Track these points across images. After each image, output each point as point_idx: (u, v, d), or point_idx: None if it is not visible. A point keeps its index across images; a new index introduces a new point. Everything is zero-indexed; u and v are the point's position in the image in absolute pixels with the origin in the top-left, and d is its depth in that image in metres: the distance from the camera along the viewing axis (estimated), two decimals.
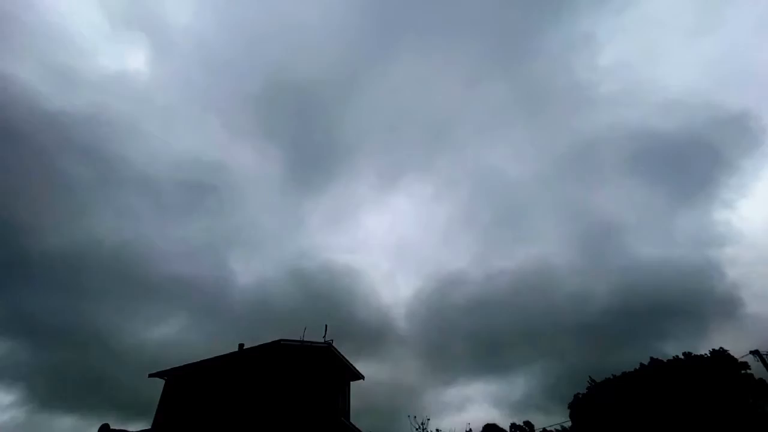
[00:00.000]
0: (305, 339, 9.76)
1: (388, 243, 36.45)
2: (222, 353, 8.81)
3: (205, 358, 8.71)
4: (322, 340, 9.67)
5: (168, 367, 8.58)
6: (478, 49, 37.03)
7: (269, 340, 9.41)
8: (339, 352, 9.75)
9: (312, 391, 8.36)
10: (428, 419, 11.12)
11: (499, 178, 36.46)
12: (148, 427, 8.14)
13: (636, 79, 34.58)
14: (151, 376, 8.41)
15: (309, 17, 31.35)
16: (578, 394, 15.06)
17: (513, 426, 16.19)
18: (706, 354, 13.29)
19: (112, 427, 7.83)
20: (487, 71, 37.19)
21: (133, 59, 30.10)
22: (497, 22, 35.94)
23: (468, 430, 12.06)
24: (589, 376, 15.48)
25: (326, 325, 9.97)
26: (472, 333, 25.69)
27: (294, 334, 10.39)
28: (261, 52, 32.42)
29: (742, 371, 12.36)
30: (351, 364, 9.94)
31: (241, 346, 9.35)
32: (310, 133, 33.74)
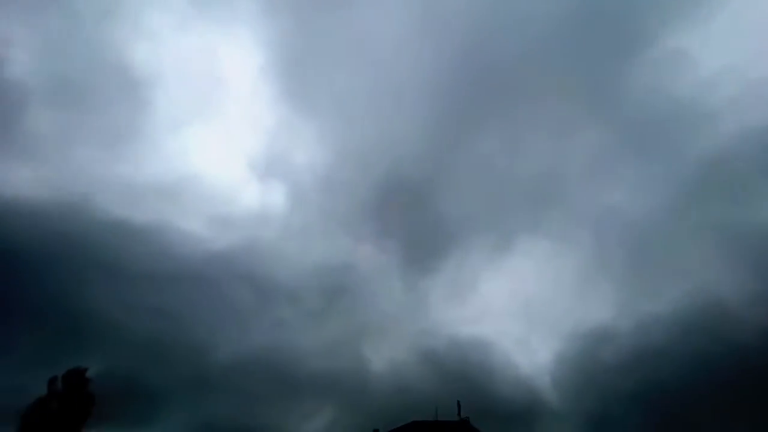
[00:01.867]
0: (439, 418, 9.59)
1: (513, 308, 34.34)
2: None
3: None
4: (457, 418, 9.39)
5: None
6: (564, 97, 36.97)
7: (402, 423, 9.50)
8: (478, 429, 9.28)
9: None
10: None
11: (621, 219, 32.95)
12: None
13: (747, 79, 30.27)
14: None
15: (400, 123, 35.68)
16: None
17: None
18: None
19: None
20: (579, 115, 36.37)
21: (271, 196, 37.27)
22: (576, 65, 35.89)
23: None
24: None
25: (458, 402, 9.73)
26: (635, 394, 21.51)
27: (429, 414, 10.30)
28: (368, 166, 37.39)
29: None
30: None
31: (375, 431, 9.56)
32: (420, 222, 36.39)
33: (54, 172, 29.80)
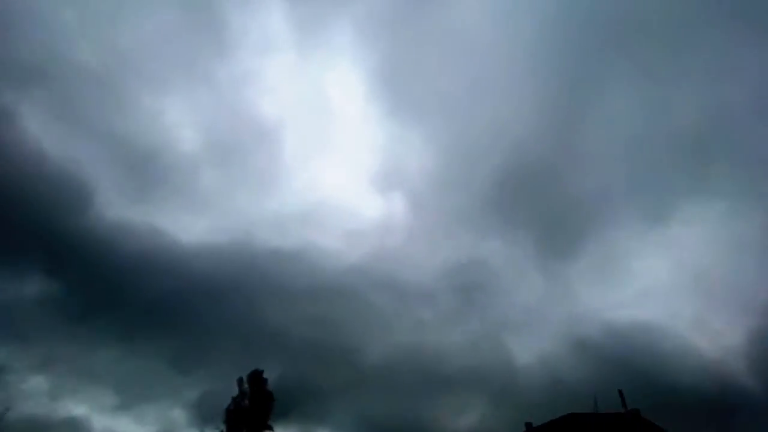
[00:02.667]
0: (600, 410, 8.63)
1: (681, 284, 28.97)
2: None
3: None
4: (622, 410, 8.31)
5: None
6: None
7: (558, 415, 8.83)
8: (654, 423, 8.08)
9: None
10: None
11: None
12: None
13: None
14: None
15: (508, 109, 34.08)
16: None
17: None
18: None
19: None
20: (738, 42, 29.51)
21: (392, 206, 39.33)
22: None
23: None
24: None
25: (620, 391, 8.61)
26: None
27: (587, 407, 9.37)
28: (482, 159, 36.64)
29: None
30: None
31: (528, 425, 9.07)
32: (550, 206, 33.88)
33: (222, 218, 36.29)
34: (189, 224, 35.15)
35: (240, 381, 10.58)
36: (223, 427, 10.31)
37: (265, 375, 11.20)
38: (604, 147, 33.76)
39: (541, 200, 34.40)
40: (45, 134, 26.40)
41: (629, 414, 7.98)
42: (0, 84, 23.26)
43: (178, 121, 34.68)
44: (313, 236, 35.50)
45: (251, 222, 34.12)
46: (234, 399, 10.40)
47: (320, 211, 38.51)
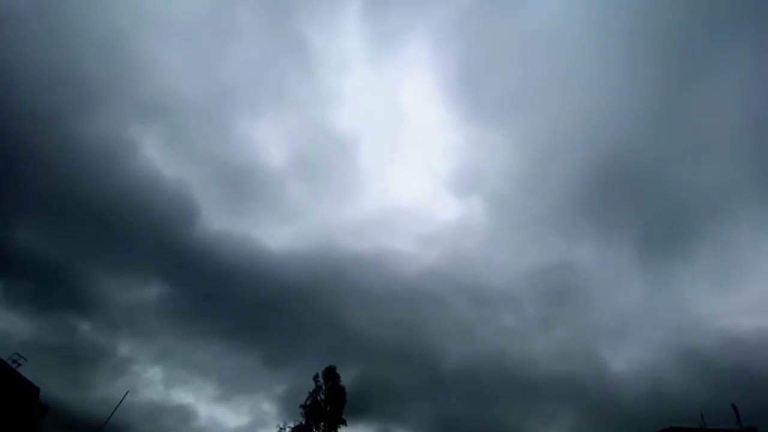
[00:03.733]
0: (709, 425, 7.36)
1: None
2: None
3: None
4: (736, 426, 6.98)
5: None
6: None
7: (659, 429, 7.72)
8: None
9: None
10: None
11: None
12: None
13: None
14: None
15: (601, 104, 31.41)
16: None
17: None
18: None
19: None
20: None
21: (470, 208, 38.83)
22: None
23: None
24: None
25: (734, 406, 7.24)
26: None
27: (693, 421, 8.07)
28: (575, 158, 34.38)
29: None
30: None
31: None
32: (654, 205, 30.33)
33: (306, 226, 38.84)
34: (277, 233, 38.07)
35: (316, 377, 11.17)
36: (302, 420, 10.95)
37: (346, 374, 11.69)
38: (719, 137, 28.97)
39: (643, 200, 30.69)
40: (161, 160, 30.75)
41: (745, 431, 6.67)
42: (126, 119, 27.65)
43: (266, 140, 38.00)
44: (391, 241, 36.19)
45: (333, 229, 35.82)
46: (310, 393, 11.00)
47: (397, 216, 39.01)
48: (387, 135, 47.15)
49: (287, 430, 10.55)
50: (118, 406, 9.52)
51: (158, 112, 30.34)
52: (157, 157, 30.84)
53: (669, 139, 31.44)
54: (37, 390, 8.87)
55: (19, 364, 8.57)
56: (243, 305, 26.33)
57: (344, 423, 10.69)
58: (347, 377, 14.24)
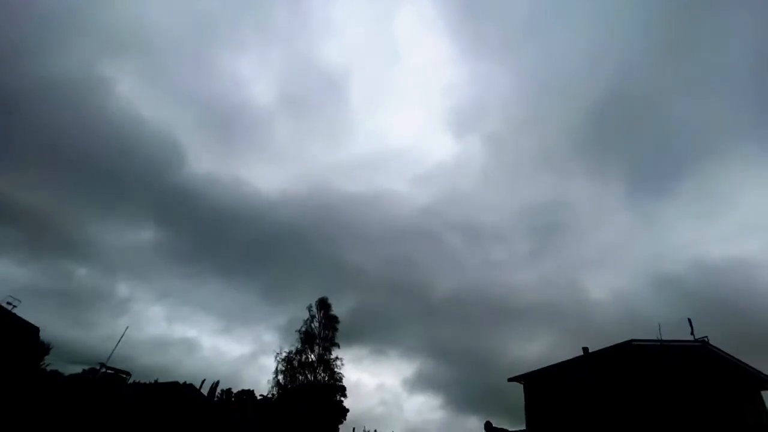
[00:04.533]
0: (664, 339, 8.05)
1: None
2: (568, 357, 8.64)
3: (553, 363, 8.79)
4: (691, 337, 7.65)
5: (523, 372, 9.22)
6: None
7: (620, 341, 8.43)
8: (724, 353, 7.34)
9: (690, 399, 6.64)
10: None
11: None
12: (521, 427, 8.83)
13: None
14: (510, 380, 9.29)
15: (603, 34, 29.75)
16: None
17: None
18: None
19: (493, 425, 9.03)
20: None
21: (467, 147, 38.59)
22: None
23: None
24: None
25: (689, 320, 7.87)
26: None
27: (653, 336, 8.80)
28: (572, 94, 33.14)
29: None
30: (754, 369, 7.18)
31: (585, 349, 8.82)
32: (649, 141, 30.04)
33: (299, 167, 38.49)
34: (268, 174, 38.00)
35: (310, 307, 11.90)
36: (299, 345, 11.83)
37: (342, 304, 12.43)
38: (719, 74, 28.01)
39: (640, 133, 30.47)
40: (140, 99, 29.72)
41: (697, 343, 7.32)
42: (97, 54, 26.24)
43: (252, 76, 36.42)
44: (385, 181, 36.23)
45: (325, 169, 35.72)
46: (305, 321, 11.79)
47: (392, 156, 38.75)
48: (381, 69, 44.86)
49: (284, 353, 11.47)
50: (120, 340, 10.22)
51: (132, 46, 28.79)
52: (134, 95, 29.73)
53: (670, 73, 30.50)
54: (36, 330, 9.34)
55: (14, 306, 8.94)
56: (238, 245, 27.00)
57: (337, 346, 11.60)
58: (343, 307, 15.06)
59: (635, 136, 31.32)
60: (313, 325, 11.81)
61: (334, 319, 11.87)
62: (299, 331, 11.66)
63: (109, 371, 10.83)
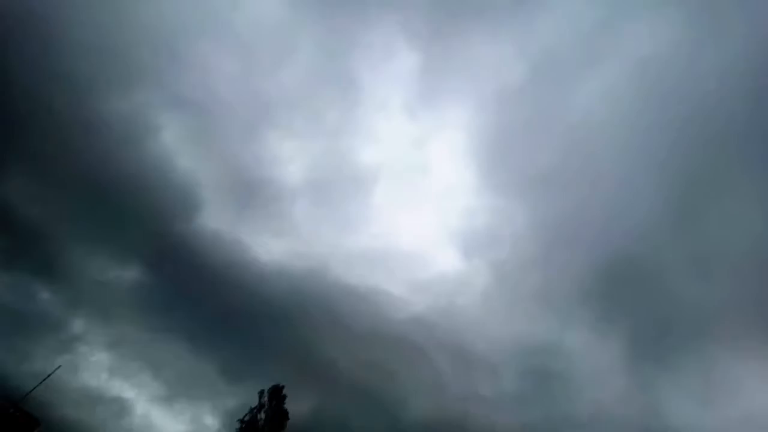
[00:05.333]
0: None
1: None
2: None
3: None
4: None
5: None
6: None
7: None
8: None
9: None
10: None
11: None
12: None
13: None
14: None
15: (620, 198, 32.22)
16: None
17: None
18: None
19: None
20: None
21: (472, 266, 38.83)
22: None
23: None
24: None
25: None
26: None
27: None
28: (584, 246, 34.75)
29: None
30: None
31: None
32: (654, 308, 30.26)
33: (303, 246, 38.68)
34: (272, 246, 38.01)
35: (261, 393, 10.59)
36: None
37: (303, 400, 11.13)
38: (724, 252, 29.11)
39: (646, 300, 30.55)
40: (178, 150, 31.58)
41: None
42: (158, 104, 28.60)
43: (288, 157, 38.85)
44: (385, 280, 35.77)
45: (329, 254, 35.59)
46: (251, 409, 10.39)
47: (397, 257, 38.80)
48: (407, 180, 47.90)
49: None
50: (45, 380, 9.10)
51: (191, 106, 31.58)
52: (175, 145, 31.71)
53: (676, 248, 31.51)
54: None
55: None
56: (218, 309, 25.81)
57: None
58: (301, 403, 13.54)
59: (641, 301, 31.19)
60: (259, 416, 10.36)
61: (285, 415, 10.37)
62: (241, 420, 10.21)
63: (17, 413, 9.50)
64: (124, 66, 27.03)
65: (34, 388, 8.98)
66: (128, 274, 26.97)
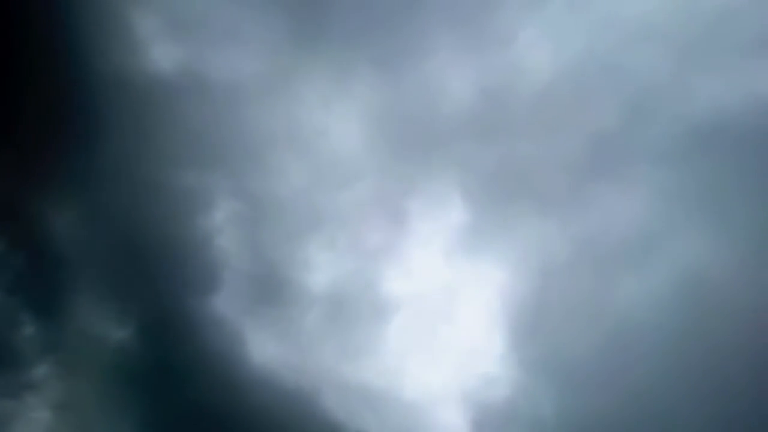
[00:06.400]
0: None
1: None
2: None
3: None
4: None
5: None
6: None
7: None
8: None
9: None
10: None
11: None
12: None
13: None
14: None
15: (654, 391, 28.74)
16: None
17: None
18: None
19: None
20: None
21: None
22: None
23: None
24: None
25: None
26: None
27: None
28: None
29: None
30: None
31: None
32: None
33: (300, 358, 35.66)
34: (268, 349, 35.18)
35: None
36: None
37: None
38: None
39: None
40: (221, 230, 32.65)
41: None
42: (219, 187, 30.63)
43: (317, 266, 38.66)
44: (374, 424, 31.33)
45: (322, 379, 32.14)
46: None
47: (394, 404, 34.43)
48: (429, 323, 44.87)
49: None
50: None
51: (250, 197, 33.35)
52: (220, 226, 32.61)
53: None
54: None
55: None
56: (193, 401, 22.95)
57: None
58: None
59: None
60: None
61: None
62: None
63: None
64: (199, 146, 30.06)
65: None
66: (118, 334, 25.27)
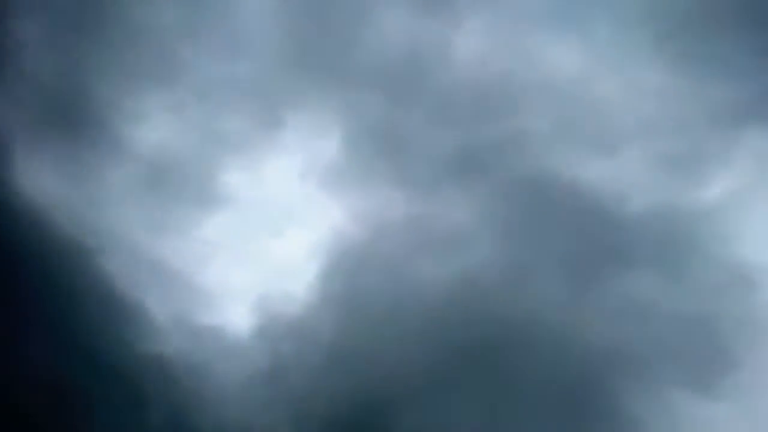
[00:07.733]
0: None
1: None
2: None
3: None
4: None
5: None
6: None
7: None
8: None
9: None
10: None
11: None
12: None
13: None
14: None
15: None
16: None
17: None
18: None
19: None
20: None
21: None
22: None
23: None
24: None
25: None
26: None
27: None
28: None
29: None
30: None
31: None
32: None
33: (87, 210, 30.70)
34: (47, 184, 29.16)
35: None
36: None
37: None
38: None
39: None
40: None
41: None
42: None
43: (150, 121, 33.51)
44: (159, 300, 29.18)
45: (115, 241, 28.40)
46: None
47: (189, 291, 32.57)
48: (254, 233, 42.92)
49: None
50: None
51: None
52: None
53: None
54: None
55: None
56: None
57: None
58: None
59: None
60: None
61: None
62: None
63: None
64: None
65: None
66: None
